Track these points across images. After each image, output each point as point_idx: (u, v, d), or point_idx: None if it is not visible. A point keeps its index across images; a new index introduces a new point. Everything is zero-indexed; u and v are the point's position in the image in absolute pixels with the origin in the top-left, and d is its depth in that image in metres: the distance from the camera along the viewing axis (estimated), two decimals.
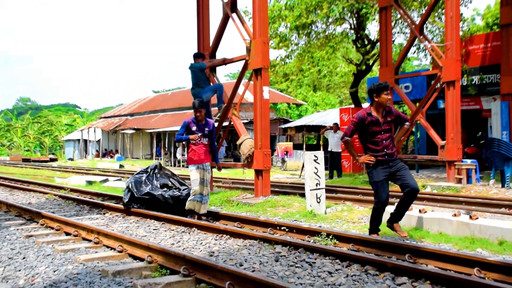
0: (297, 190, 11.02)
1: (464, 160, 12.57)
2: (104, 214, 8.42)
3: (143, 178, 8.15)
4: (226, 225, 6.94)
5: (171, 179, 8.29)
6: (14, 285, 4.20)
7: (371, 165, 5.63)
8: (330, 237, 5.63)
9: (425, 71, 18.96)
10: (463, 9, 18.37)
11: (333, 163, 15.17)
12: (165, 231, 6.65)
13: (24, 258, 5.19)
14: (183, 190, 8.03)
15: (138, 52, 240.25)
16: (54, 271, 4.60)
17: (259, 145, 9.90)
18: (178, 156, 28.25)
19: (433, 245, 5.44)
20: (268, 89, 10.09)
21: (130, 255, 5.15)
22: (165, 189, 8.03)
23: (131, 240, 5.27)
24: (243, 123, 12.61)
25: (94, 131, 44.23)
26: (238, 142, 10.31)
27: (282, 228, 6.35)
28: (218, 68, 11.58)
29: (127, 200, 7.98)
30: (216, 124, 9.25)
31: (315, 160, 8.18)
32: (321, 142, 25.98)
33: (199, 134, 7.35)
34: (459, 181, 12.08)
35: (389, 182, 5.76)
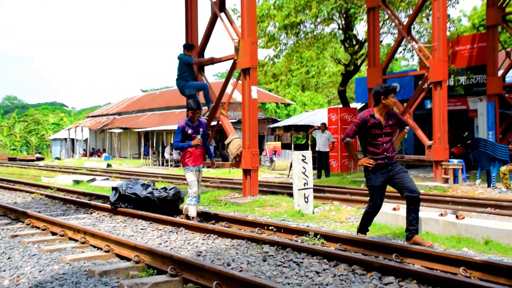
0: (285, 189, 11.03)
1: (451, 160, 12.68)
2: (91, 213, 8.35)
3: (131, 182, 8.15)
4: (214, 224, 6.92)
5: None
6: None
7: (370, 169, 5.51)
8: (318, 236, 5.64)
9: (413, 72, 19.13)
10: (450, 10, 18.57)
11: (321, 162, 15.19)
12: (153, 230, 6.61)
13: (9, 258, 5.14)
14: (170, 190, 7.98)
15: (127, 51, 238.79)
16: (40, 271, 4.56)
17: (247, 144, 9.89)
18: (166, 155, 28.12)
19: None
20: (257, 89, 10.09)
21: (117, 255, 5.12)
22: (151, 190, 7.99)
23: (118, 239, 5.24)
24: (231, 122, 12.60)
25: (82, 130, 43.95)
26: (226, 142, 10.29)
27: (270, 227, 6.35)
28: (206, 67, 11.56)
29: (114, 199, 7.92)
30: None
31: (303, 160, 8.20)
32: (309, 142, 26.02)
33: (199, 138, 7.25)
34: (446, 181, 12.19)
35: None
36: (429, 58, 12.76)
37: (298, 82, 41.21)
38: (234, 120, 26.31)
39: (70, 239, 6.06)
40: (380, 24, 17.17)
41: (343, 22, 19.43)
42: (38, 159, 43.85)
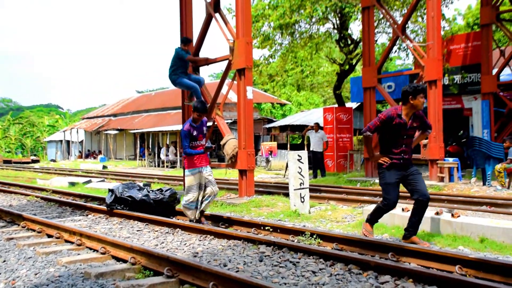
0: (281, 190, 11.05)
1: (446, 158, 12.74)
2: (87, 215, 8.32)
3: (127, 186, 8.15)
4: (210, 225, 6.92)
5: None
6: None
7: (384, 166, 5.37)
8: (314, 236, 5.65)
9: (408, 71, 19.17)
10: (445, 9, 18.63)
11: (315, 162, 15.23)
12: (149, 232, 6.60)
13: (4, 261, 5.12)
14: (166, 192, 7.98)
15: (122, 52, 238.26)
16: (36, 274, 4.54)
17: (243, 145, 9.90)
18: (162, 156, 28.08)
19: (415, 244, 5.51)
20: (252, 89, 10.10)
21: (113, 257, 5.11)
22: (147, 192, 7.99)
23: (114, 241, 5.23)
24: (227, 123, 12.60)
25: (77, 132, 43.80)
26: (222, 142, 10.29)
27: (266, 228, 6.36)
28: (202, 68, 11.55)
29: (110, 201, 7.91)
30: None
31: (299, 160, 8.21)
32: (305, 142, 26.07)
33: (211, 146, 7.07)
34: (441, 179, 12.25)
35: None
36: (423, 57, 12.81)
37: (294, 82, 41.24)
38: (229, 121, 26.31)
39: (66, 241, 6.04)
40: (375, 24, 17.19)
41: (338, 21, 19.48)
42: (33, 161, 43.62)
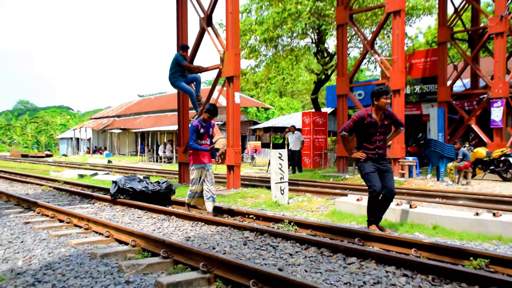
0: (264, 183, 11.09)
1: (406, 157, 12.92)
2: (94, 204, 8.27)
3: (128, 178, 8.11)
4: (201, 213, 6.93)
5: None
6: (14, 265, 4.17)
7: (361, 160, 5.33)
8: (292, 224, 5.70)
9: (376, 81, 19.36)
10: (408, 28, 18.79)
11: (293, 160, 15.32)
12: (148, 218, 6.59)
13: (22, 242, 5.12)
14: (163, 184, 7.96)
15: (124, 53, 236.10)
16: (49, 254, 4.55)
17: (231, 143, 9.92)
18: (160, 153, 27.90)
19: (381, 230, 5.60)
20: (239, 95, 10.12)
21: (116, 240, 5.11)
22: (146, 184, 7.97)
23: (117, 226, 5.23)
24: (217, 124, 12.58)
25: (85, 130, 43.52)
26: (213, 141, 10.27)
27: (250, 216, 6.40)
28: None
29: (114, 191, 7.88)
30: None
31: (279, 157, 8.26)
32: (285, 142, 26.12)
33: (217, 148, 7.01)
34: (402, 175, 12.42)
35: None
36: (389, 69, 12.96)
37: (276, 89, 41.30)
38: (220, 122, 26.26)
39: (75, 225, 6.03)
40: (348, 39, 17.30)
41: (315, 37, 19.54)
42: (47, 155, 43.32)
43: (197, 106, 10.55)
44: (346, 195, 8.20)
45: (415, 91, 18.40)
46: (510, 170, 11.80)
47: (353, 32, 17.69)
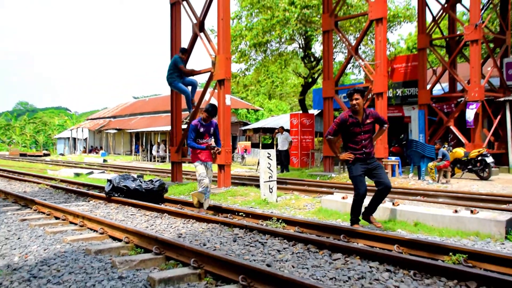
0: (254, 182, 11.05)
1: (389, 157, 12.99)
2: (89, 201, 8.17)
3: (123, 177, 8.01)
4: (193, 211, 6.87)
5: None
6: (10, 261, 4.12)
7: (350, 161, 5.24)
8: (280, 221, 5.67)
9: (360, 84, 19.39)
10: (390, 34, 18.95)
11: (280, 159, 15.31)
12: (141, 216, 6.52)
13: (19, 238, 5.04)
14: (155, 182, 7.88)
15: (123, 61, 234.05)
16: (45, 250, 4.48)
17: (222, 143, 9.85)
18: (154, 152, 27.69)
19: (363, 227, 5.60)
20: (230, 97, 10.08)
21: (110, 237, 5.05)
22: (140, 182, 7.88)
23: (111, 223, 5.17)
24: None
25: (82, 130, 43.18)
26: None
27: (240, 213, 6.36)
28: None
29: (109, 189, 7.78)
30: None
31: (268, 157, 8.23)
32: (275, 142, 26.13)
33: (214, 146, 6.73)
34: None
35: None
36: (372, 74, 13.02)
37: (266, 92, 41.29)
38: None
39: (71, 222, 5.95)
40: (333, 45, 17.35)
41: (303, 42, 19.57)
42: (45, 155, 42.91)
43: (191, 107, 10.49)
44: (332, 193, 8.20)
45: (397, 94, 18.51)
46: (487, 169, 11.94)
47: (338, 38, 17.75)
